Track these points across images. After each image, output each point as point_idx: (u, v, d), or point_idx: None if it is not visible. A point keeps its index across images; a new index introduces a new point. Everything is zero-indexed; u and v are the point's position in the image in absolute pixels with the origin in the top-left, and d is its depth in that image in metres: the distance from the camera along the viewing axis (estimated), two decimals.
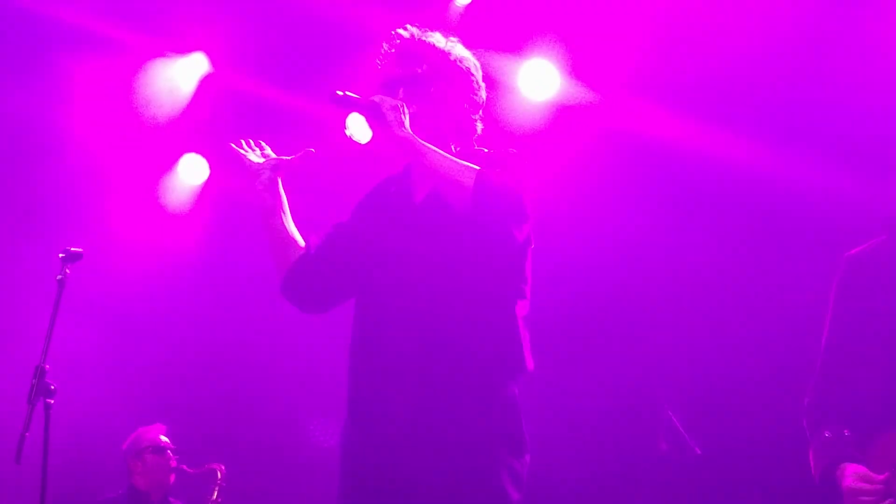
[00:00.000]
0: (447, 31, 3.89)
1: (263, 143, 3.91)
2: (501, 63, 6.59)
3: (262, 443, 7.74)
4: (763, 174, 6.47)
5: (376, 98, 3.61)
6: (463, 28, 6.68)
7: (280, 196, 3.82)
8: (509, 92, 6.72)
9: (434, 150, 3.55)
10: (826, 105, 6.23)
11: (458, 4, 6.96)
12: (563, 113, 6.93)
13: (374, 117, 3.59)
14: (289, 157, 3.81)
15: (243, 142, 3.89)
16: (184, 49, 7.51)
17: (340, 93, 3.60)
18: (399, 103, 3.60)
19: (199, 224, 7.87)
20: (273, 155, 3.87)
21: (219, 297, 7.87)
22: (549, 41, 6.80)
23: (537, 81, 6.90)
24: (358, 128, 7.09)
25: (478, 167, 3.51)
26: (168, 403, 7.52)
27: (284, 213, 3.82)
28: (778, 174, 6.40)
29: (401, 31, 3.83)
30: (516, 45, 6.77)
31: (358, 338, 3.70)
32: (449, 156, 3.56)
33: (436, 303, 3.55)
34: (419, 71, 3.74)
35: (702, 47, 6.47)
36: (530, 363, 3.62)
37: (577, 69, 6.83)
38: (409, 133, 3.56)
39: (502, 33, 6.71)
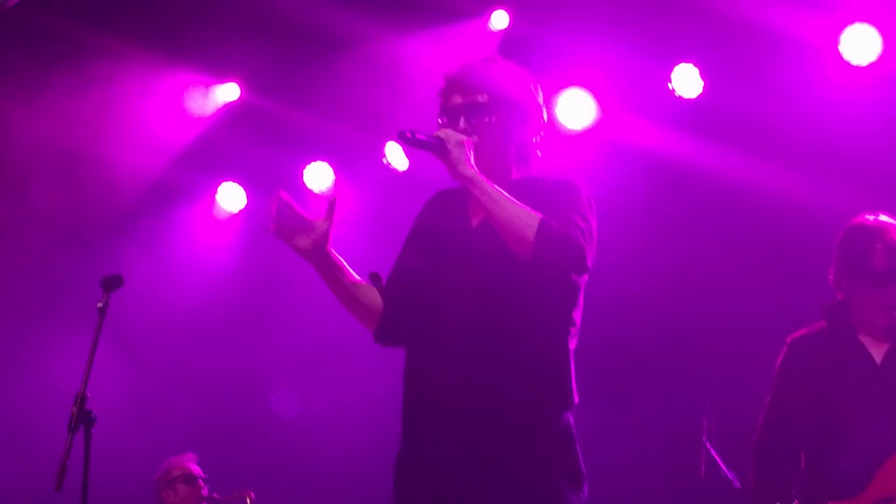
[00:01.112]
0: (502, 57, 3.85)
1: (288, 204, 3.70)
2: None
3: (293, 469, 7.69)
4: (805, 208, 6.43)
5: (441, 134, 3.59)
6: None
7: (333, 262, 3.74)
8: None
9: (498, 193, 3.52)
10: None
11: (493, 28, 6.96)
12: (599, 142, 6.90)
13: (441, 154, 3.57)
14: (325, 222, 3.67)
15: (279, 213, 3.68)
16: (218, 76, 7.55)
17: (409, 134, 3.56)
18: (464, 139, 3.59)
19: (236, 252, 7.87)
20: (300, 216, 3.70)
21: (249, 325, 7.87)
22: (584, 71, 6.77)
23: (574, 111, 6.89)
24: (396, 157, 7.12)
25: (539, 215, 3.49)
26: (198, 431, 7.53)
27: (343, 271, 3.75)
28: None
29: (463, 57, 3.83)
30: (552, 76, 6.75)
31: (416, 369, 3.68)
32: (511, 199, 3.53)
33: (492, 337, 3.54)
34: (481, 100, 3.71)
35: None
36: (576, 397, 3.63)
37: (612, 99, 6.80)
38: (474, 171, 3.54)
39: (537, 62, 6.69)
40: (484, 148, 3.65)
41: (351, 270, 3.77)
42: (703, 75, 6.74)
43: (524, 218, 3.49)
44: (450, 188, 3.87)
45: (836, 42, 6.39)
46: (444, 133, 3.59)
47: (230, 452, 7.54)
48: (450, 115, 3.73)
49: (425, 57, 6.77)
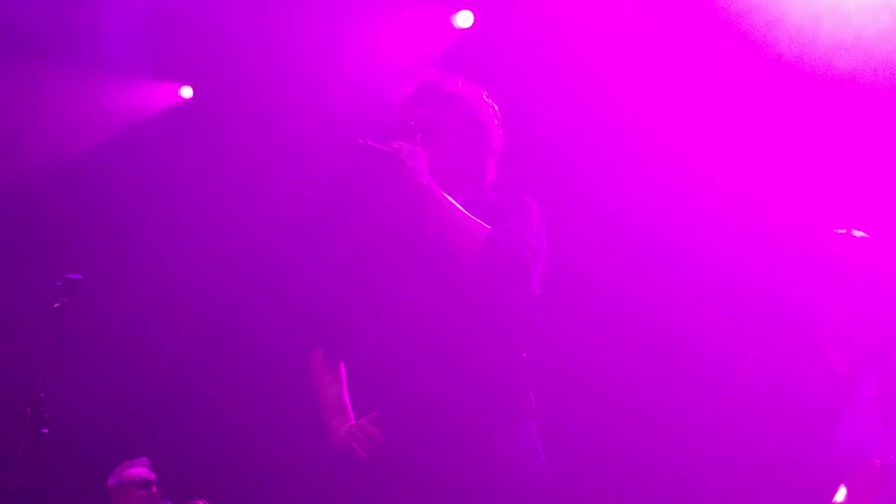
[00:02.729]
0: (464, 72, 3.90)
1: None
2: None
3: (247, 477, 7.62)
4: None
5: (395, 144, 3.64)
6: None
7: None
8: None
9: (449, 203, 3.58)
10: None
11: (457, 26, 6.96)
12: None
13: (395, 165, 3.61)
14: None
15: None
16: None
17: (363, 143, 3.61)
18: (417, 150, 3.64)
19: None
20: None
21: (206, 330, 7.78)
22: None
23: None
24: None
25: (487, 228, 3.54)
26: (153, 437, 7.44)
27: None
28: None
29: (421, 74, 3.87)
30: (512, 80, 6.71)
31: (372, 380, 3.70)
32: (463, 210, 3.59)
33: (447, 348, 3.57)
34: (437, 117, 3.78)
35: None
36: (535, 406, 3.67)
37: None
38: (426, 181, 3.60)
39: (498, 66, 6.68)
40: (439, 163, 3.70)
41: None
42: None
43: (472, 230, 3.54)
44: (383, 206, 3.91)
45: None
46: (399, 144, 3.64)
47: (185, 460, 7.48)
48: (406, 130, 3.78)
49: (384, 49, 6.79)
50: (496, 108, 3.90)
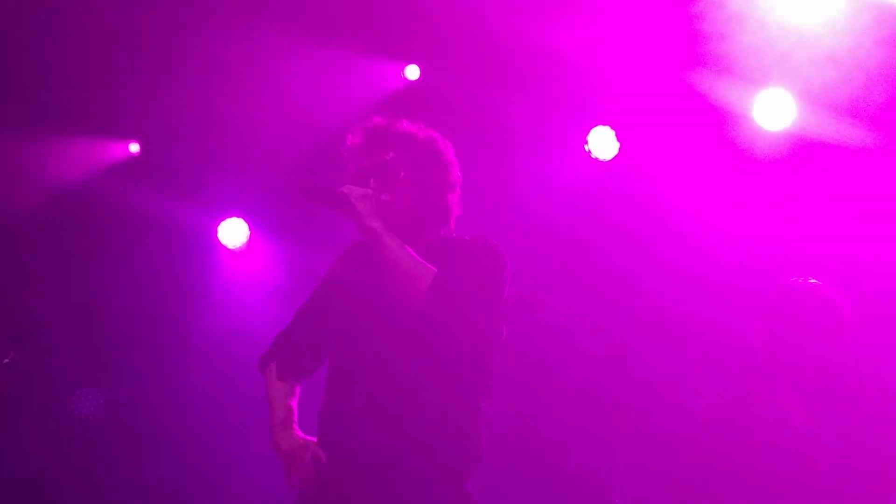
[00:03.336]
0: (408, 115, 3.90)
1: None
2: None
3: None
4: None
5: (345, 188, 3.63)
6: None
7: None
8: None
9: (398, 246, 3.58)
10: None
11: (407, 77, 7.02)
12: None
13: (345, 209, 3.61)
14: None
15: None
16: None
17: (312, 190, 3.67)
18: (368, 192, 3.63)
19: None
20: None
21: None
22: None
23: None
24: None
25: (433, 270, 3.54)
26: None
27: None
28: None
29: (366, 121, 3.87)
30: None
31: (328, 419, 3.71)
32: (411, 254, 3.59)
33: (400, 397, 3.57)
34: (388, 158, 3.76)
35: None
36: (485, 458, 3.68)
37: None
38: (375, 224, 3.60)
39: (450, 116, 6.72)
40: (398, 205, 3.71)
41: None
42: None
43: (419, 274, 3.54)
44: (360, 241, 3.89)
45: None
46: (348, 188, 3.64)
47: None
48: (359, 177, 3.77)
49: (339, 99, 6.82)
50: (447, 143, 3.90)
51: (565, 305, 6.94)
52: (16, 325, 4.46)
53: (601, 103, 6.83)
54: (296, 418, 3.76)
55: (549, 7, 6.41)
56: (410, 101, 6.91)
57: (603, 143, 6.89)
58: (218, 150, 7.29)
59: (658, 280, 6.79)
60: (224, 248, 7.52)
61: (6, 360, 4.36)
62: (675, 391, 6.24)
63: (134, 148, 7.55)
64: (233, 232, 7.48)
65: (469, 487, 3.63)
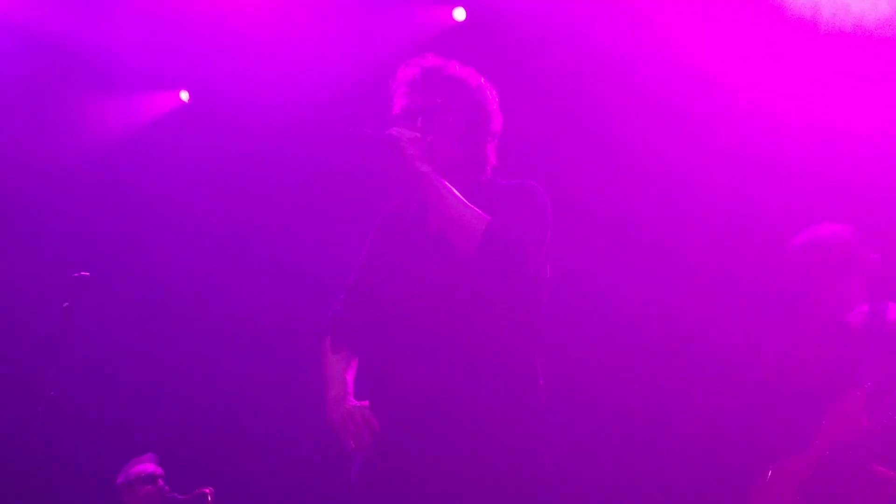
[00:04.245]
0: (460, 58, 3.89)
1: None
2: None
3: (249, 464, 7.66)
4: None
5: (395, 132, 3.62)
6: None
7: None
8: None
9: (449, 191, 3.55)
10: None
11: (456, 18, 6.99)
12: None
13: (395, 152, 3.59)
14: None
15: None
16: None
17: (363, 131, 3.62)
18: (418, 136, 3.62)
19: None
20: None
21: (210, 325, 7.85)
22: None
23: None
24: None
25: (487, 218, 3.51)
26: (160, 432, 7.51)
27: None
28: None
29: (419, 59, 3.84)
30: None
31: (378, 377, 3.66)
32: (463, 200, 3.56)
33: (454, 341, 3.53)
34: (438, 101, 3.74)
35: None
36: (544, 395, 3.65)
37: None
38: (427, 169, 3.58)
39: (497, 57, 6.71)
40: (440, 149, 3.68)
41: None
42: None
43: (472, 220, 3.52)
44: (403, 201, 3.91)
45: None
46: (398, 131, 3.62)
47: (190, 450, 7.53)
48: (406, 115, 3.75)
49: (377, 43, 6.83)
50: (494, 92, 3.88)
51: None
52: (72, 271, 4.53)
53: None
54: (351, 390, 3.69)
55: None
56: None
57: None
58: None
59: None
60: None
61: (66, 304, 4.45)
62: None
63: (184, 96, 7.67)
64: None
65: (538, 417, 3.58)
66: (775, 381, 4.55)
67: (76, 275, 4.45)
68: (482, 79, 3.87)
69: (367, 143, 3.64)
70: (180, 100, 7.68)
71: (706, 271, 6.52)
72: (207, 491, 6.92)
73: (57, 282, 4.62)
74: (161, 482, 6.71)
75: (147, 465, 6.76)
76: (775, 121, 6.27)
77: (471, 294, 3.55)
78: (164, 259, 7.69)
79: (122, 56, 7.14)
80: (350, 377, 3.74)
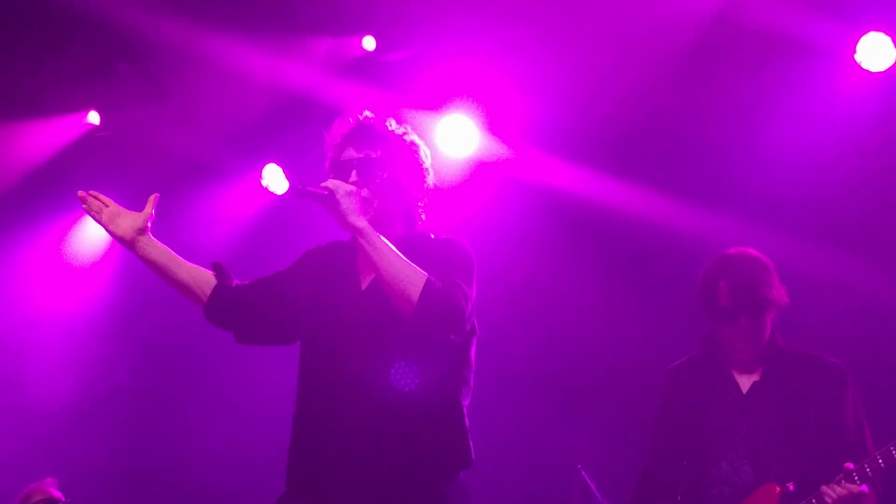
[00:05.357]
0: (398, 112, 3.95)
1: (99, 196, 3.92)
2: (420, 119, 6.56)
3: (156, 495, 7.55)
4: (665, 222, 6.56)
5: (330, 185, 3.64)
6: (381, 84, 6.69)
7: (158, 250, 3.88)
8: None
9: (386, 247, 3.59)
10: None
11: (365, 48, 6.96)
12: (481, 168, 6.90)
13: (330, 205, 3.62)
14: (144, 213, 3.87)
15: (90, 198, 3.91)
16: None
17: (299, 186, 3.65)
18: (353, 190, 3.65)
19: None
20: (113, 206, 3.89)
21: (113, 348, 7.72)
22: (466, 98, 6.77)
23: (456, 138, 6.81)
24: (274, 179, 7.08)
25: (424, 274, 3.55)
26: (61, 458, 7.34)
27: (173, 260, 3.89)
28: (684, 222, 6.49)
29: (356, 113, 3.89)
30: (435, 102, 6.75)
31: (308, 427, 3.71)
32: (399, 255, 3.59)
33: (384, 401, 3.59)
34: (374, 155, 3.79)
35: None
36: (472, 455, 3.72)
37: (494, 125, 6.79)
38: (363, 223, 3.61)
39: (420, 90, 6.72)
40: (374, 203, 3.74)
41: (178, 260, 3.90)
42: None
43: (410, 276, 3.55)
44: (341, 241, 3.95)
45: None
46: (333, 184, 3.66)
47: (94, 480, 7.40)
48: (341, 168, 3.79)
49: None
50: (428, 151, 3.94)
51: None
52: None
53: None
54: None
55: None
56: None
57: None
58: None
59: None
60: None
61: None
62: None
63: None
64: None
65: (449, 490, 3.65)
66: None
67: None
68: (417, 137, 3.92)
69: (305, 196, 3.66)
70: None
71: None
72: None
73: None
74: None
75: (48, 489, 6.56)
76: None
77: (402, 347, 3.60)
78: None
79: None
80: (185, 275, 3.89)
